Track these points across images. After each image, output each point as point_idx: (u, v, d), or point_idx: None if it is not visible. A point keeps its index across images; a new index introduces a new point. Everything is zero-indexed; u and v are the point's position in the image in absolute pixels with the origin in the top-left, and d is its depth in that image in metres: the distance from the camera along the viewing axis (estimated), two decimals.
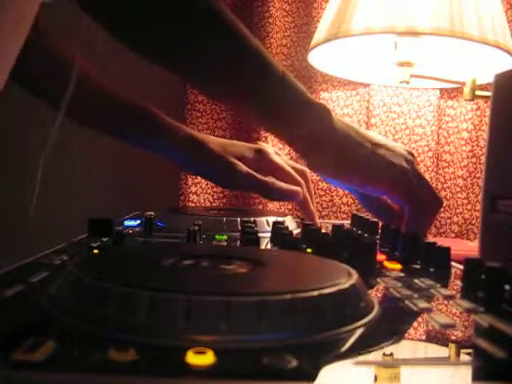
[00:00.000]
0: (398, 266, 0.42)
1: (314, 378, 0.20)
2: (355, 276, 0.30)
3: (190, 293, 0.24)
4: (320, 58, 1.05)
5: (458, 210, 1.13)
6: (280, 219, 0.60)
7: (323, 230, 0.50)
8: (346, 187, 0.62)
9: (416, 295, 0.32)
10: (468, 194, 1.14)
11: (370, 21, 0.89)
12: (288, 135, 0.54)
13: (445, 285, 0.36)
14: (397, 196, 0.56)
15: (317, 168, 0.56)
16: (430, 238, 0.48)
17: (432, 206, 0.57)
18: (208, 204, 1.15)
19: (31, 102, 0.63)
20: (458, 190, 1.13)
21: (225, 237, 0.54)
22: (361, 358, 0.22)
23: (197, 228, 0.50)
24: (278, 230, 0.51)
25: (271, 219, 0.60)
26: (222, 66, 0.49)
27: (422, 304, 0.30)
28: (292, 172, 0.65)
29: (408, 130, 1.12)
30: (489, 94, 0.56)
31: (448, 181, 1.15)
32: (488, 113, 0.55)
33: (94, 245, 0.43)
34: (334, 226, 0.54)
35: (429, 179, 1.11)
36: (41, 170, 0.60)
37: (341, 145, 0.53)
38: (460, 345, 0.26)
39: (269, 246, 0.51)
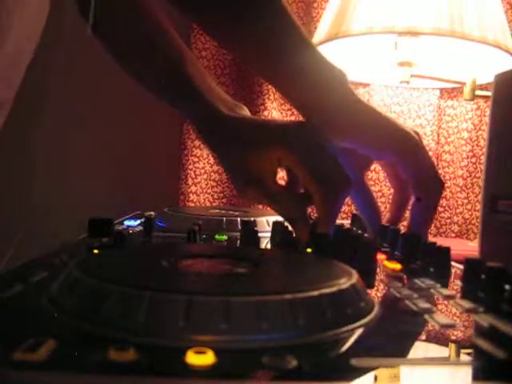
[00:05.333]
0: (398, 266, 0.42)
1: (314, 378, 0.20)
2: (355, 276, 0.30)
3: (190, 293, 0.24)
4: None
5: (458, 210, 1.13)
6: (280, 219, 0.60)
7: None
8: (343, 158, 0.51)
9: (416, 295, 0.32)
10: (468, 193, 1.14)
11: (370, 21, 0.89)
12: (290, 86, 0.49)
13: (445, 285, 0.36)
14: (404, 165, 0.50)
15: (320, 125, 0.49)
16: (430, 238, 0.48)
17: (437, 190, 0.51)
18: (208, 204, 1.15)
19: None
20: (458, 189, 1.13)
21: (225, 237, 0.54)
22: (361, 358, 0.22)
23: (197, 228, 0.50)
24: (278, 229, 0.51)
25: (271, 219, 0.60)
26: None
27: (422, 304, 0.30)
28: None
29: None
30: (489, 93, 0.56)
31: (448, 181, 1.15)
32: (488, 113, 0.55)
33: (94, 245, 0.43)
34: (334, 226, 0.54)
35: None
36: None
37: (348, 103, 0.49)
38: (460, 345, 0.26)
39: (269, 246, 0.51)
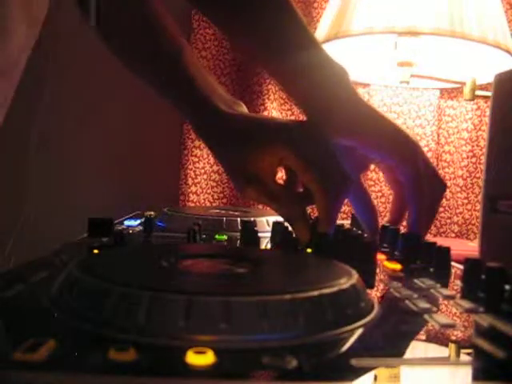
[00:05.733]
0: (398, 266, 0.42)
1: (314, 378, 0.20)
2: (355, 276, 0.30)
3: (190, 293, 0.24)
4: None
5: (458, 210, 1.13)
6: (280, 219, 0.60)
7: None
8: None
9: (416, 295, 0.32)
10: (468, 194, 1.14)
11: (370, 21, 0.89)
12: (289, 77, 0.49)
13: (445, 285, 0.36)
14: (402, 167, 0.49)
15: (321, 123, 0.48)
16: (430, 238, 0.48)
17: (437, 191, 0.51)
18: (208, 204, 1.15)
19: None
20: (458, 190, 1.13)
21: (225, 237, 0.54)
22: (361, 358, 0.22)
23: (197, 228, 0.50)
24: (278, 229, 0.51)
25: (271, 219, 0.60)
26: None
27: (422, 304, 0.30)
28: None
29: (408, 130, 1.12)
30: (489, 94, 0.56)
31: (448, 181, 1.15)
32: (488, 113, 0.55)
33: (94, 245, 0.43)
34: (334, 226, 0.54)
35: None
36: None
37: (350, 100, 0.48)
38: (460, 345, 0.26)
39: (269, 246, 0.51)
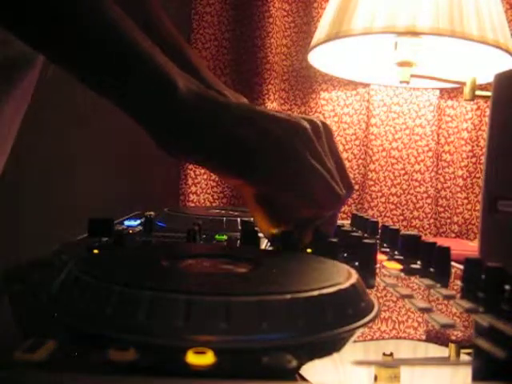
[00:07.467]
0: (398, 266, 0.42)
1: (314, 378, 0.20)
2: (355, 276, 0.30)
3: (190, 293, 0.24)
4: (320, 58, 1.05)
5: (458, 210, 1.13)
6: None
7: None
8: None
9: (416, 295, 0.32)
10: (468, 194, 1.14)
11: (370, 21, 0.89)
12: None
13: (445, 285, 0.36)
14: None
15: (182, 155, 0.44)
16: (430, 238, 0.48)
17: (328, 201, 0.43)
18: (208, 204, 1.15)
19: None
20: (458, 189, 1.13)
21: (225, 237, 0.54)
22: (361, 358, 0.22)
23: (197, 228, 0.50)
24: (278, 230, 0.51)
25: None
26: None
27: (422, 304, 0.30)
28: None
29: (408, 130, 1.12)
30: (489, 94, 0.55)
31: (448, 181, 1.15)
32: (488, 113, 0.55)
33: (94, 245, 0.43)
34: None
35: (429, 179, 1.11)
36: None
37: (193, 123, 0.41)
38: (460, 345, 0.26)
39: (269, 246, 0.51)
